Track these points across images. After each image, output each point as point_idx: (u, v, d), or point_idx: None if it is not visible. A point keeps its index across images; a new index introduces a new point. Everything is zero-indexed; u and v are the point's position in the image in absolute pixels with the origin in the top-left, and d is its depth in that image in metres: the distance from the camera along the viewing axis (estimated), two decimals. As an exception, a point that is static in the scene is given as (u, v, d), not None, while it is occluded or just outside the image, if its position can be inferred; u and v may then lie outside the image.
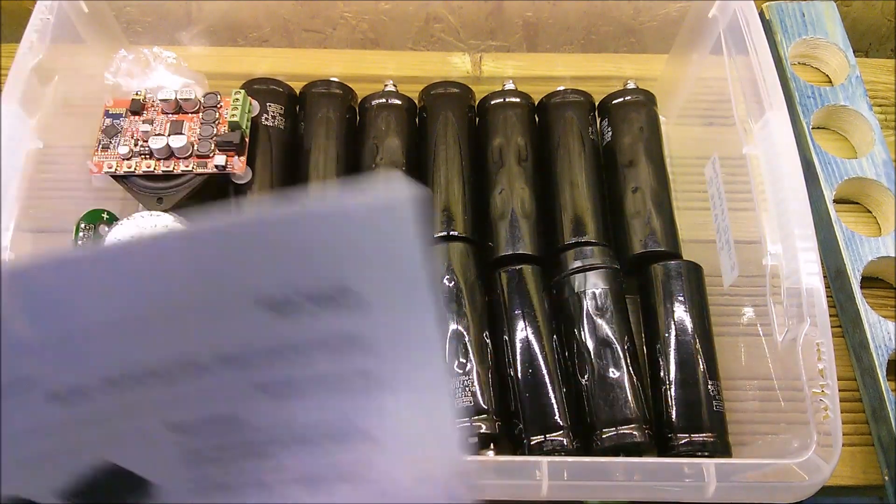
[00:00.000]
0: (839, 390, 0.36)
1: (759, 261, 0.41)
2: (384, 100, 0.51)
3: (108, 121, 0.46)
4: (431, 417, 0.21)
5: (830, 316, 0.38)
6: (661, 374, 0.43)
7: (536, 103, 0.52)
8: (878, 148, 0.54)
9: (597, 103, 0.52)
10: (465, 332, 0.43)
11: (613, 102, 0.51)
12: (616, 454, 0.41)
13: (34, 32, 0.44)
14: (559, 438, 0.41)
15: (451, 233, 0.46)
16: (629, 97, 0.51)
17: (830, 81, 0.59)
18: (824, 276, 0.47)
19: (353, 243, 0.17)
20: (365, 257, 0.17)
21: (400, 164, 0.48)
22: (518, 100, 0.51)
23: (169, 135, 0.45)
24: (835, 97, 0.56)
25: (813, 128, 0.56)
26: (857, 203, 0.55)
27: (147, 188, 0.45)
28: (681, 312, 0.44)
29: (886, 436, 0.45)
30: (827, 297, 0.38)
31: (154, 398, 0.20)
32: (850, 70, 0.57)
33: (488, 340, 0.43)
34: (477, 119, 0.52)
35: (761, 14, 0.58)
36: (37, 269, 0.17)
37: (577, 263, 0.45)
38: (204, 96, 0.46)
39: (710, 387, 0.42)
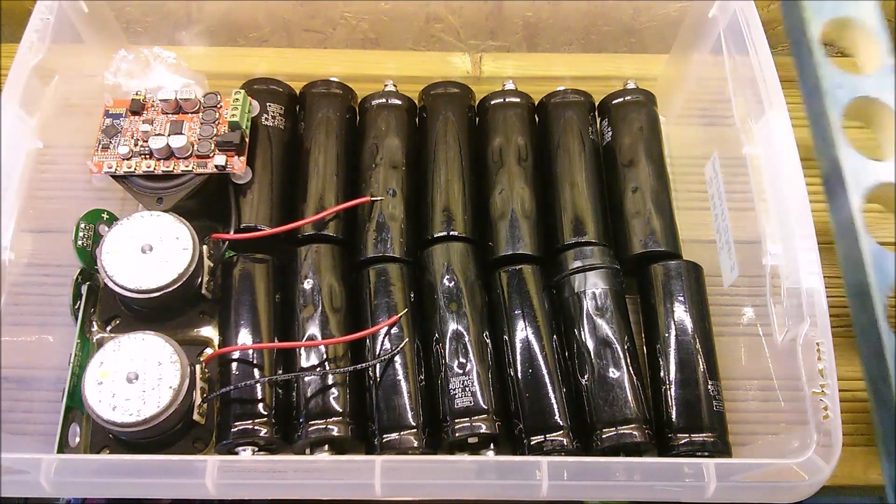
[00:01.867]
0: (839, 390, 0.36)
1: (759, 261, 0.41)
2: (384, 100, 0.51)
3: (108, 121, 0.46)
4: None
5: (844, 327, 0.38)
6: (661, 374, 0.43)
7: (536, 103, 0.52)
8: None
9: (597, 103, 0.52)
10: (465, 332, 0.43)
11: (613, 102, 0.51)
12: (616, 454, 0.41)
13: (34, 32, 0.44)
14: (559, 438, 0.41)
15: (451, 233, 0.46)
16: (629, 97, 0.51)
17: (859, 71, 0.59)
18: (843, 294, 0.46)
19: None
20: None
21: (400, 164, 0.48)
22: (518, 100, 0.51)
23: (169, 135, 0.45)
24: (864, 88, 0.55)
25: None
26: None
27: (147, 188, 0.45)
28: (681, 312, 0.44)
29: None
30: (843, 314, 0.37)
31: None
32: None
33: (488, 340, 0.43)
34: (477, 119, 0.52)
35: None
36: None
37: (577, 263, 0.45)
38: (204, 96, 0.46)
39: (710, 387, 0.42)
